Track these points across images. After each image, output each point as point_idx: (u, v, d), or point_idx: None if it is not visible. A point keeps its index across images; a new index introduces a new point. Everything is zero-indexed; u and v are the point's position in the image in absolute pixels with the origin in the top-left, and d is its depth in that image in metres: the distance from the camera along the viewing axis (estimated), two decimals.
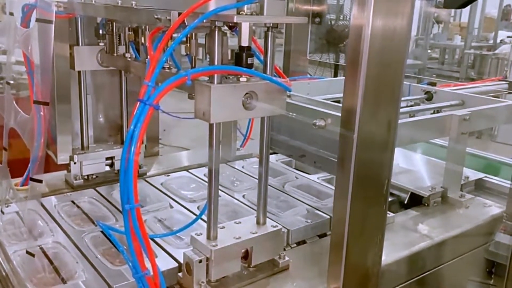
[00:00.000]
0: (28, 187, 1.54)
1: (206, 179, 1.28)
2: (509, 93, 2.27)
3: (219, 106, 1.08)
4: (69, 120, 1.73)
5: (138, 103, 0.98)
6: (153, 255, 1.02)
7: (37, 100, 1.42)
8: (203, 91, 1.07)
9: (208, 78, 1.09)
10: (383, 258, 1.23)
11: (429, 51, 10.53)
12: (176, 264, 1.25)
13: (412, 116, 1.84)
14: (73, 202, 1.63)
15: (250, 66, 1.12)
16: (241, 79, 1.11)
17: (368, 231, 1.17)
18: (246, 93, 1.11)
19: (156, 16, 1.13)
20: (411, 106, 2.10)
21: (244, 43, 1.09)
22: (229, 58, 1.16)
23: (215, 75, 1.07)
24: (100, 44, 1.69)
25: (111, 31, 1.60)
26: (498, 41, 10.00)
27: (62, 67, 1.68)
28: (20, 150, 1.64)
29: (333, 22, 5.88)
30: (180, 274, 1.21)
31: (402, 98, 2.16)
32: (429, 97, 2.12)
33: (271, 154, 2.13)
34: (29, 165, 1.45)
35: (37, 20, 1.35)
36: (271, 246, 1.27)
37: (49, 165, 1.80)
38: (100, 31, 1.67)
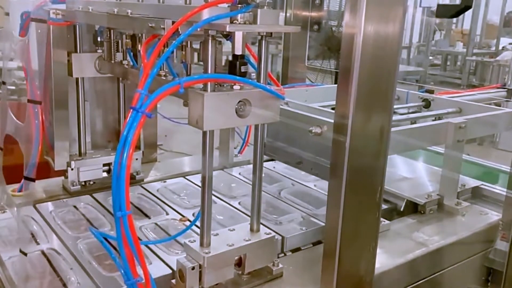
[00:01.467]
0: (24, 193, 1.55)
1: None
2: (507, 100, 2.27)
3: (212, 114, 1.08)
4: (67, 126, 1.74)
5: (131, 110, 0.98)
6: (145, 262, 1.03)
7: (31, 100, 1.43)
8: (196, 98, 1.08)
9: (202, 85, 1.10)
10: (378, 266, 1.23)
11: (431, 57, 10.54)
12: (170, 271, 1.26)
13: (413, 123, 1.85)
14: (73, 207, 1.64)
15: (243, 74, 1.13)
16: (234, 86, 1.12)
17: (361, 238, 1.17)
18: (240, 101, 1.12)
19: (150, 25, 1.14)
20: (412, 113, 2.10)
21: (238, 51, 1.09)
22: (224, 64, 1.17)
23: (209, 83, 1.08)
24: (98, 51, 1.70)
25: (109, 38, 1.62)
26: (500, 47, 10.00)
27: (60, 74, 1.69)
28: (18, 156, 1.65)
29: (334, 29, 5.92)
30: (173, 281, 1.21)
31: (401, 105, 2.18)
32: (427, 104, 2.12)
33: (270, 160, 2.14)
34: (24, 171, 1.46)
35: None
36: (264, 253, 1.27)
37: (47, 171, 1.81)
38: (98, 38, 1.68)
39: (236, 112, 1.12)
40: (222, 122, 1.13)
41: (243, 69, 1.12)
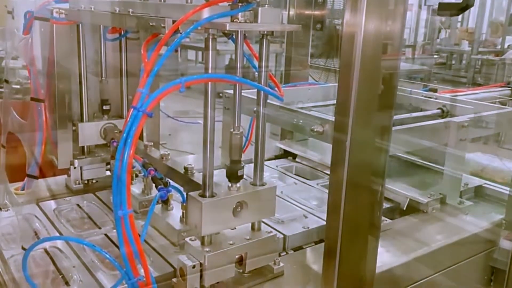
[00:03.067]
0: (27, 192, 1.56)
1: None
2: (511, 99, 2.26)
3: (210, 219, 1.13)
4: (70, 125, 1.75)
5: (132, 110, 0.99)
6: (145, 261, 1.03)
7: (35, 98, 1.45)
8: (194, 205, 1.13)
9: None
10: (379, 265, 1.23)
11: (435, 56, 10.49)
12: (171, 269, 1.26)
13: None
14: (76, 205, 1.65)
15: (240, 177, 1.18)
16: (231, 188, 1.17)
17: (362, 237, 1.17)
18: (237, 202, 1.17)
19: (151, 24, 1.15)
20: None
21: (235, 157, 1.17)
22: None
23: (207, 189, 1.14)
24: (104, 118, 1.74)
25: None
26: (505, 46, 9.94)
27: (63, 72, 1.69)
28: (22, 155, 1.66)
29: (338, 27, 5.89)
30: (174, 279, 1.21)
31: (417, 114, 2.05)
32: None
33: (275, 159, 2.14)
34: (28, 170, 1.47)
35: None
36: (265, 252, 1.27)
37: (51, 169, 1.82)
38: (103, 107, 1.73)
39: (233, 213, 1.17)
40: (219, 225, 1.18)
41: (239, 172, 1.19)
